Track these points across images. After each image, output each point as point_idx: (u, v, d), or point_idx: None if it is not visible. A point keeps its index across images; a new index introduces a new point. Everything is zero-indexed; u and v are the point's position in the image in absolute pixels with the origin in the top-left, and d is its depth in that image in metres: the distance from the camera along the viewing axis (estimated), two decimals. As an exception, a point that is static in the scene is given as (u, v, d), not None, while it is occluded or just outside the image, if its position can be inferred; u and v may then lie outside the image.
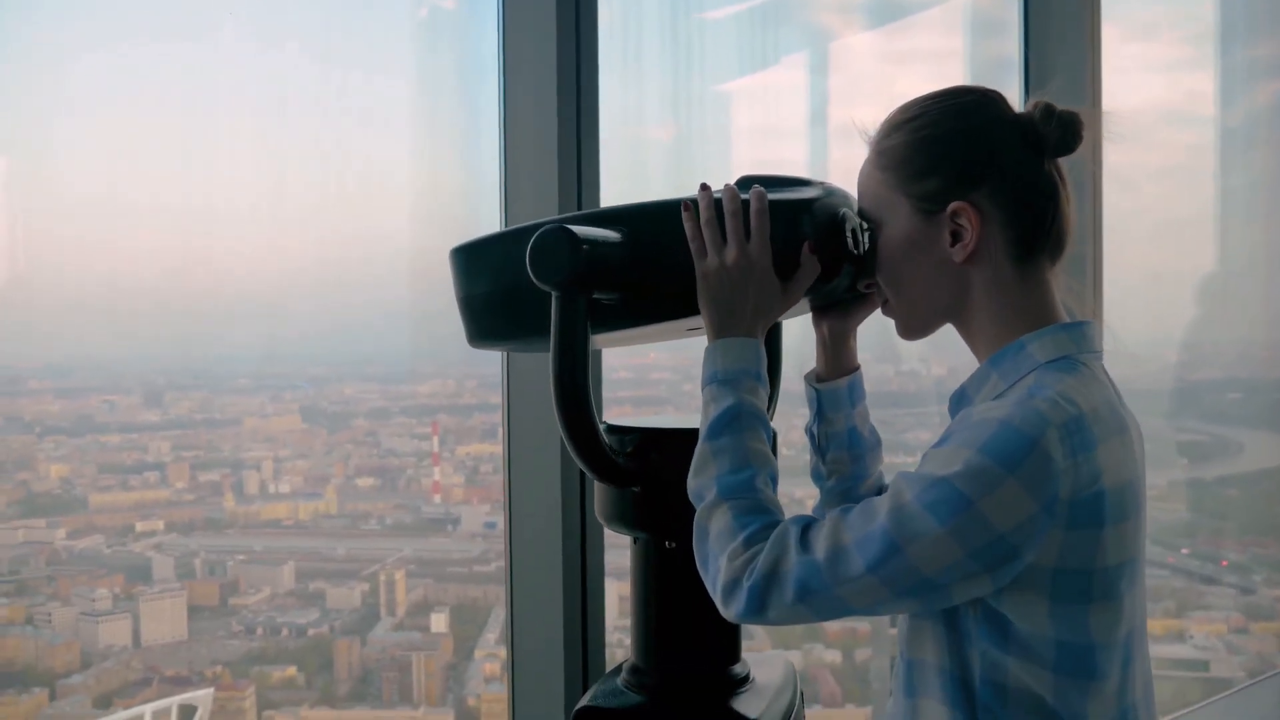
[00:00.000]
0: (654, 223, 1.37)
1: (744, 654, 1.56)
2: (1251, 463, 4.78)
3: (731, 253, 1.32)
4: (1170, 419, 4.34)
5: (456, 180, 3.08)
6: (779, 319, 1.66)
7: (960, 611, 1.22)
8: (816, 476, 1.58)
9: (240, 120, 3.30)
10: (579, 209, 2.13)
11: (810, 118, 3.32)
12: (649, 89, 2.93)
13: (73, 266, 3.26)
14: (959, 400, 1.34)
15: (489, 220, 2.25)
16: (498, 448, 3.57)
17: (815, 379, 1.56)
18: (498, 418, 3.46)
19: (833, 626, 3.85)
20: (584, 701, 1.50)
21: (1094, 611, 1.20)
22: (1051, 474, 1.14)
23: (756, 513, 1.26)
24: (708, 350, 1.35)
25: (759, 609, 1.21)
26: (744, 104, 3.20)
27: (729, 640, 1.53)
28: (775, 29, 3.32)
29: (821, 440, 1.56)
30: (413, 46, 3.33)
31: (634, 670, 1.53)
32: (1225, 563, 4.62)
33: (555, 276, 1.30)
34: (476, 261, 1.48)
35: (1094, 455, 1.18)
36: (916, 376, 3.64)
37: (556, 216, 1.44)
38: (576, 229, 1.29)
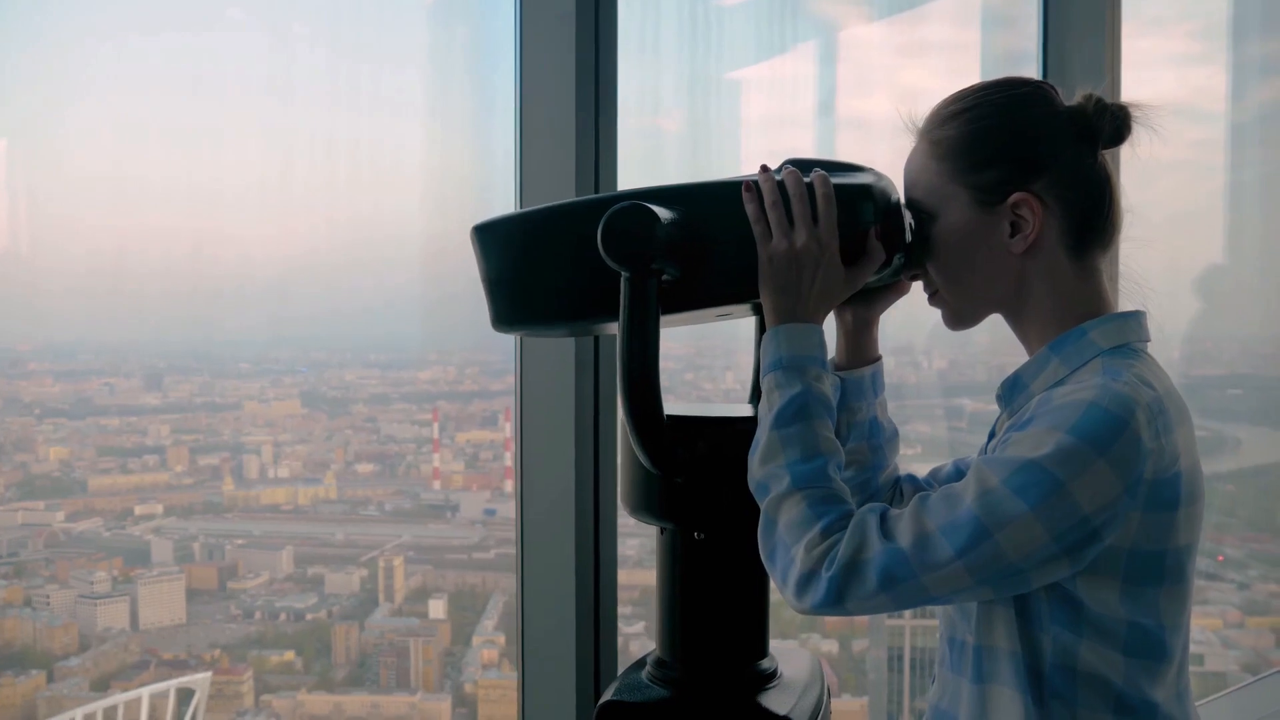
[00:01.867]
0: (712, 202, 1.34)
1: (772, 648, 1.54)
2: (1249, 459, 4.79)
3: (801, 236, 1.30)
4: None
5: (466, 165, 3.06)
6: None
7: (1033, 596, 1.23)
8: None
9: (248, 102, 3.28)
10: (596, 193, 2.10)
11: (821, 108, 3.31)
12: (664, 76, 2.91)
13: (76, 248, 3.24)
14: (1013, 386, 1.35)
15: (501, 206, 2.23)
16: (498, 434, 3.57)
17: (837, 368, 1.55)
18: (498, 405, 3.46)
19: (831, 618, 3.85)
20: (607, 696, 1.48)
21: (1164, 593, 1.22)
22: (1140, 455, 1.16)
23: (832, 502, 1.25)
24: (769, 335, 1.33)
25: (837, 600, 1.20)
26: (755, 92, 3.18)
27: (757, 634, 1.50)
28: (788, 18, 3.31)
29: (842, 429, 1.54)
30: (425, 29, 3.30)
31: (659, 664, 1.50)
32: (1221, 558, 4.63)
33: (633, 256, 1.26)
34: (501, 240, 1.43)
35: (1174, 437, 1.20)
36: (918, 368, 3.64)
37: (597, 194, 1.41)
38: (655, 207, 1.26)
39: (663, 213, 1.28)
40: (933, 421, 3.64)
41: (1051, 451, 1.15)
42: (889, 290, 1.50)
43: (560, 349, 2.11)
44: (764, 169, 1.34)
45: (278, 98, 3.29)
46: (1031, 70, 2.79)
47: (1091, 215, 1.33)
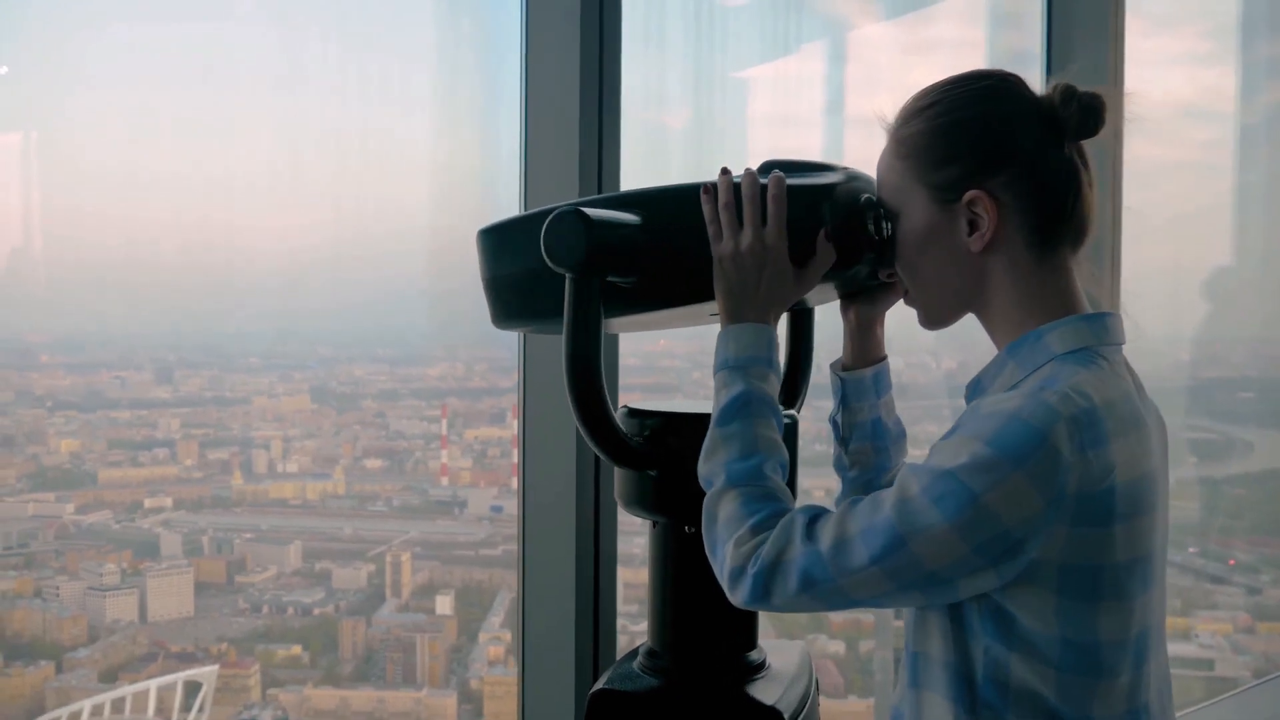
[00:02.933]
0: (673, 206, 1.36)
1: (761, 641, 1.56)
2: (1261, 462, 4.77)
3: (747, 238, 1.31)
4: (1180, 416, 4.33)
5: (474, 161, 3.07)
6: (808, 304, 1.65)
7: (965, 606, 1.21)
8: (839, 466, 1.57)
9: (257, 97, 3.30)
10: (599, 191, 2.12)
11: (827, 106, 3.31)
12: (669, 73, 2.91)
13: (86, 242, 3.26)
14: (974, 389, 1.32)
15: (507, 201, 2.24)
16: (506, 431, 3.58)
17: (841, 368, 1.55)
18: (506, 401, 3.47)
19: (837, 617, 3.85)
20: (600, 685, 1.49)
21: (1103, 609, 1.18)
22: (1059, 468, 1.12)
23: (764, 500, 1.26)
24: (720, 336, 1.34)
25: (763, 596, 1.21)
26: (762, 91, 3.19)
27: (746, 626, 1.52)
28: (794, 17, 3.31)
29: (845, 430, 1.55)
30: (433, 26, 3.32)
31: (650, 654, 1.52)
32: (1232, 562, 4.61)
33: (569, 259, 1.30)
34: (502, 243, 1.48)
35: (1106, 450, 1.15)
36: (926, 369, 3.63)
37: (577, 200, 1.44)
38: (590, 211, 1.29)
39: (616, 216, 1.32)
40: (941, 423, 3.63)
41: (967, 462, 1.13)
42: (887, 290, 1.49)
43: (554, 348, 2.12)
44: (724, 171, 1.35)
45: (286, 91, 3.31)
46: (1035, 70, 2.78)
47: (1056, 212, 1.28)
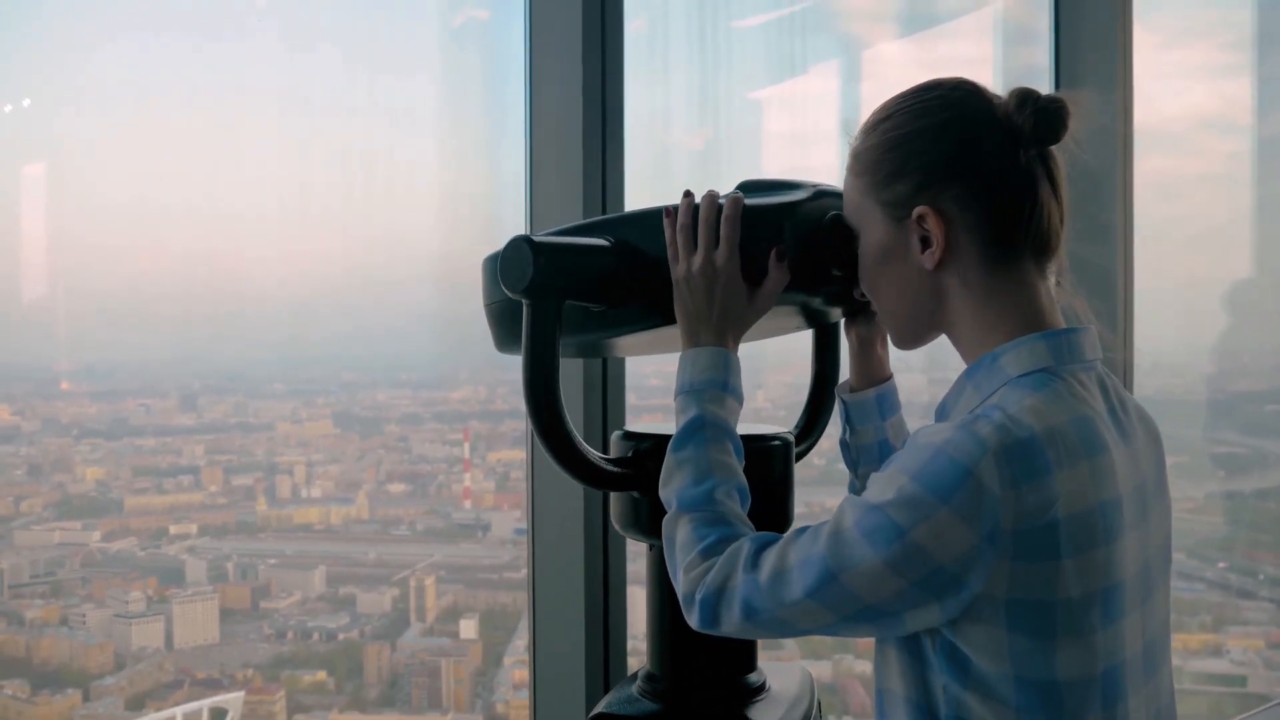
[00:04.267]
0: (637, 230, 1.38)
1: (762, 663, 1.55)
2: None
3: (698, 259, 1.31)
4: (1207, 430, 4.28)
5: (482, 184, 3.10)
6: (830, 319, 1.61)
7: (922, 642, 1.17)
8: (853, 490, 1.55)
9: (265, 122, 3.33)
10: (603, 213, 2.13)
11: (842, 125, 3.30)
12: (678, 96, 2.93)
13: (106, 269, 3.30)
14: (940, 415, 1.27)
15: (514, 225, 2.26)
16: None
17: (847, 389, 1.54)
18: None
19: (865, 639, 3.81)
20: (599, 708, 1.49)
21: (1060, 646, 1.13)
22: (986, 504, 1.08)
23: (714, 524, 1.25)
24: (680, 359, 1.34)
25: (712, 622, 1.21)
26: (775, 111, 3.19)
27: (745, 649, 1.51)
28: (806, 37, 3.32)
29: (854, 453, 1.53)
30: (440, 51, 3.35)
31: (649, 678, 1.52)
32: (1262, 577, 4.55)
33: (518, 285, 1.32)
34: (495, 270, 1.50)
35: (1045, 482, 1.10)
36: (948, 385, 3.61)
37: (564, 225, 1.46)
38: (539, 238, 1.32)
39: (565, 242, 1.35)
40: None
41: (894, 498, 1.10)
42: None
43: (569, 371, 2.13)
44: (686, 194, 1.35)
45: (295, 115, 3.34)
46: (1043, 84, 2.77)
47: (1012, 224, 1.21)
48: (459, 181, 3.23)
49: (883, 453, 1.51)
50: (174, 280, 3.39)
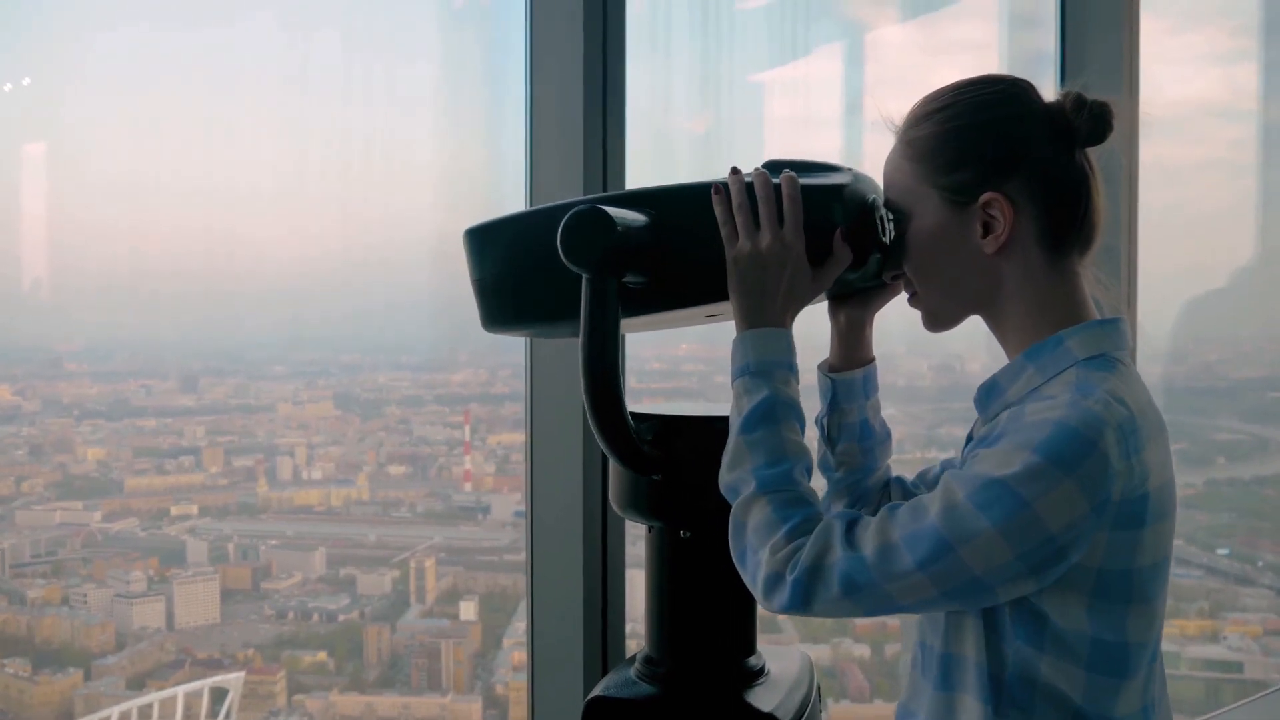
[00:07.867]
0: (682, 205, 1.34)
1: (761, 647, 1.55)
2: (1291, 462, 4.70)
3: (766, 238, 1.30)
4: (1208, 417, 4.28)
5: (482, 165, 3.08)
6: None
7: (999, 609, 1.22)
8: (825, 468, 1.56)
9: (264, 102, 3.32)
10: (604, 193, 2.12)
11: (845, 108, 3.30)
12: (679, 78, 2.92)
13: (106, 250, 3.29)
14: (989, 392, 1.31)
15: (514, 207, 2.26)
16: (529, 436, 3.59)
17: (830, 369, 1.54)
18: (529, 406, 3.48)
19: (862, 620, 3.83)
20: (597, 691, 1.49)
21: (1132, 612, 1.21)
22: (1109, 476, 1.14)
23: (797, 505, 1.25)
24: (738, 340, 1.33)
25: (803, 602, 1.21)
26: (777, 94, 3.18)
27: (744, 632, 1.51)
28: (809, 21, 3.31)
29: (833, 431, 1.54)
30: (440, 33, 3.34)
31: (647, 661, 1.51)
32: (1261, 564, 4.56)
33: (588, 258, 1.27)
34: (488, 244, 1.46)
35: (1145, 456, 1.18)
36: (950, 371, 3.61)
37: (583, 197, 1.41)
38: (610, 210, 1.27)
39: (628, 215, 1.29)
40: (964, 425, 3.60)
41: (1019, 470, 1.13)
42: (880, 292, 1.49)
43: (569, 353, 2.13)
44: (734, 171, 1.34)
45: (293, 96, 3.33)
46: (1050, 70, 2.76)
47: (1068, 217, 1.29)
48: (459, 163, 3.22)
49: (864, 431, 1.53)
50: (175, 261, 3.39)
